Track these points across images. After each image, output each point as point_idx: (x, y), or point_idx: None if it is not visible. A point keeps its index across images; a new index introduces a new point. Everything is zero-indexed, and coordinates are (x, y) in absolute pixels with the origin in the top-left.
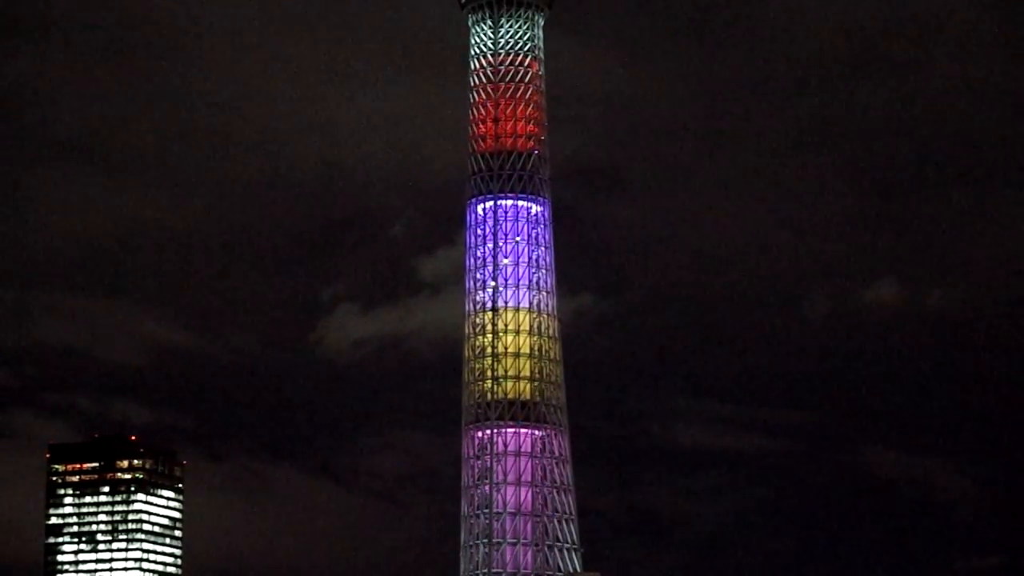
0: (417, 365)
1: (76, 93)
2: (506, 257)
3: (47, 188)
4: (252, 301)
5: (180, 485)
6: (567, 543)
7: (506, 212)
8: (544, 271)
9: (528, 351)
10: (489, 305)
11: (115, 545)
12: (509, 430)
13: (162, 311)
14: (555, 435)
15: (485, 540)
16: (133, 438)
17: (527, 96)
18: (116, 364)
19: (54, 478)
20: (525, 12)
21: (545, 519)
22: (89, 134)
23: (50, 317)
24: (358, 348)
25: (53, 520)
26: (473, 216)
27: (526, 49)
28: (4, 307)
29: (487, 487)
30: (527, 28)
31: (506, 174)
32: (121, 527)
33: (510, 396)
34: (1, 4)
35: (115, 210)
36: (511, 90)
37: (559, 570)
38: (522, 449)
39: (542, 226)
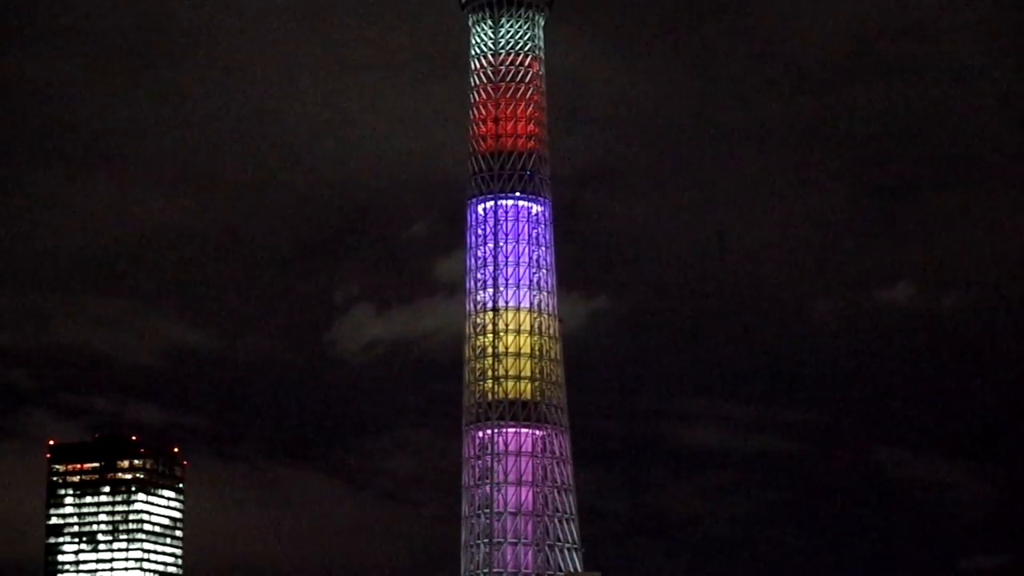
0: (431, 366)
1: (93, 95)
2: (506, 257)
3: (63, 189)
4: (267, 302)
5: (181, 485)
6: (567, 543)
7: (506, 212)
8: (544, 271)
9: (529, 351)
10: (490, 305)
11: (116, 545)
12: (510, 430)
13: (178, 312)
14: (556, 435)
15: (486, 540)
16: (134, 438)
17: (527, 96)
18: (132, 365)
19: (55, 478)
20: (525, 12)
21: (546, 519)
22: (107, 136)
23: (66, 318)
24: (372, 349)
25: (54, 520)
26: (474, 216)
27: (526, 49)
28: (20, 308)
29: (488, 487)
30: (527, 28)
31: (506, 174)
32: (122, 527)
33: (511, 396)
34: (18, 6)
35: (131, 212)
36: (511, 90)
37: (559, 570)
38: (523, 449)
39: (542, 226)
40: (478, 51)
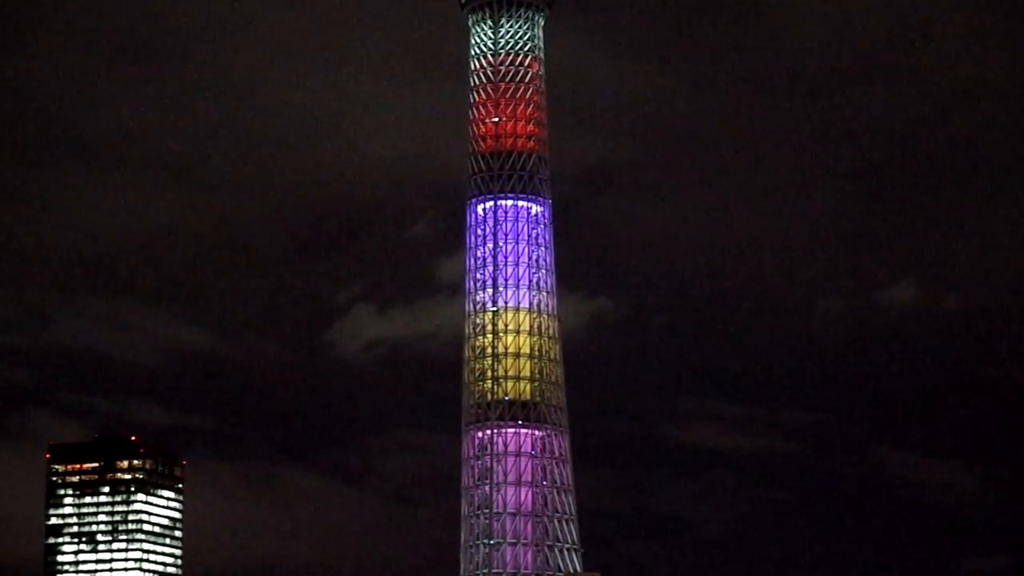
0: (431, 366)
1: (96, 95)
2: (506, 257)
3: (66, 189)
4: (268, 302)
5: (180, 485)
6: (567, 543)
7: (506, 212)
8: (544, 271)
9: (528, 351)
10: (489, 305)
11: (115, 545)
12: (509, 430)
13: (179, 312)
14: (555, 435)
15: (485, 540)
16: (133, 438)
17: (527, 96)
18: (132, 365)
19: (54, 478)
20: (525, 12)
21: (545, 519)
22: (107, 136)
23: (68, 318)
24: (373, 349)
25: (53, 520)
26: (473, 216)
27: (526, 49)
28: (23, 308)
29: (487, 487)
30: (527, 28)
31: (506, 174)
32: (121, 527)
33: (510, 396)
34: (18, 6)
35: (133, 211)
36: (511, 90)
37: (559, 570)
38: (522, 449)
39: (542, 226)
40: (478, 51)
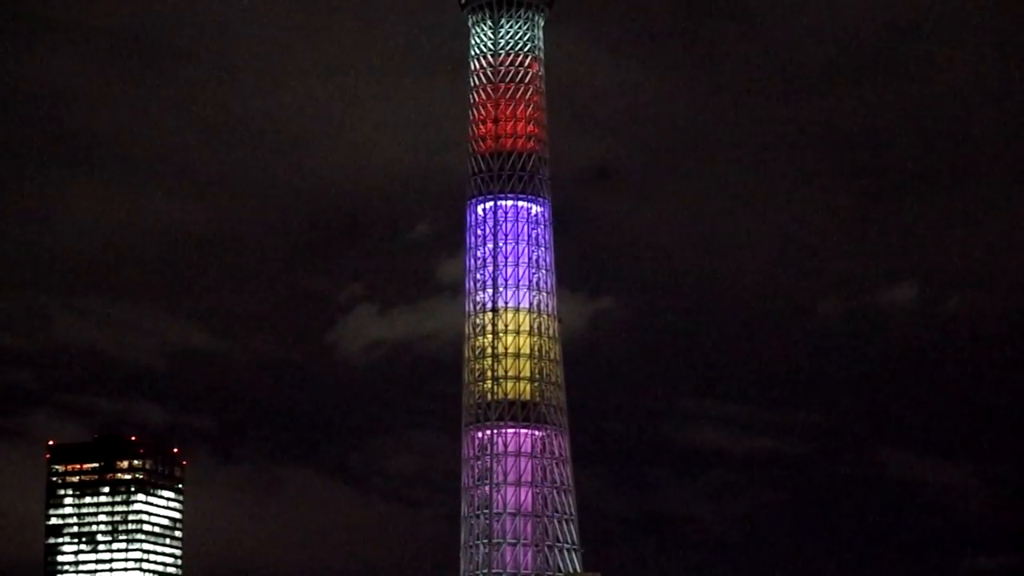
0: (432, 366)
1: (94, 95)
2: (506, 258)
3: (66, 189)
4: (269, 302)
5: (181, 485)
6: (567, 543)
7: (506, 213)
8: (544, 272)
9: (528, 351)
10: (489, 306)
11: (115, 545)
12: (509, 430)
13: (180, 312)
14: (555, 435)
15: (485, 540)
16: (133, 438)
17: (527, 96)
18: (133, 365)
19: (54, 478)
20: (525, 12)
21: (545, 519)
22: (108, 136)
23: (70, 319)
24: (374, 349)
25: (53, 520)
26: (473, 217)
27: (526, 49)
28: (24, 309)
29: (487, 487)
30: (527, 28)
31: (506, 174)
32: (121, 527)
33: (510, 396)
34: (28, 8)
35: (135, 212)
36: (511, 90)
37: (559, 570)
38: (522, 449)
39: (542, 227)
40: (478, 51)
